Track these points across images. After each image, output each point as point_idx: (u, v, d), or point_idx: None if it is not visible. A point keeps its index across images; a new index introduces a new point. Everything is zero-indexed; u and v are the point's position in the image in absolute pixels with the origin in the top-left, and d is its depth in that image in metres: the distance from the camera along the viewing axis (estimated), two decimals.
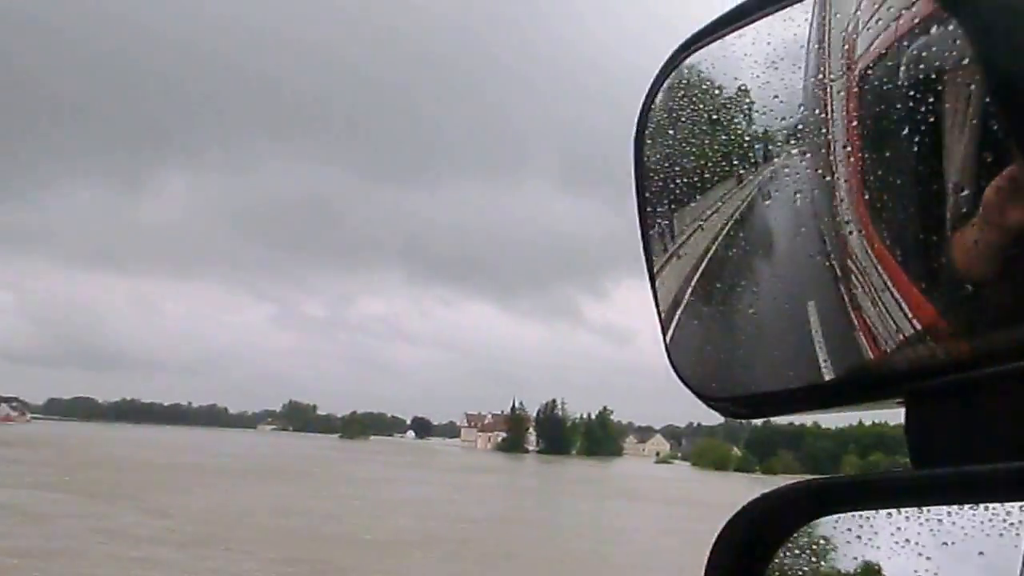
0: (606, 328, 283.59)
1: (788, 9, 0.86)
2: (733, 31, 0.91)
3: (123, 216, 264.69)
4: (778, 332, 0.89)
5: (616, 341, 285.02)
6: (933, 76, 0.69)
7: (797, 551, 0.91)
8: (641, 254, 1.02)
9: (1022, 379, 0.69)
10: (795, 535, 0.90)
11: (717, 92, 0.94)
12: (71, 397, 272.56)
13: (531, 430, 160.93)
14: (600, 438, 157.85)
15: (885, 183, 0.76)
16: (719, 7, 0.90)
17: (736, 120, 0.92)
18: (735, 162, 0.92)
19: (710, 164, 0.94)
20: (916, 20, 0.71)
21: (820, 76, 0.83)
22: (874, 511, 0.84)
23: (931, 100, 0.70)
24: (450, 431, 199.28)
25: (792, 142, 0.86)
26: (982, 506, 0.76)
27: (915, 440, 0.83)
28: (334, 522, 40.63)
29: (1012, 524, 0.75)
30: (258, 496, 51.04)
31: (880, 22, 0.76)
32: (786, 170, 0.86)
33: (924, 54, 0.70)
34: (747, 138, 0.91)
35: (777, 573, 0.91)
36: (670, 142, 0.98)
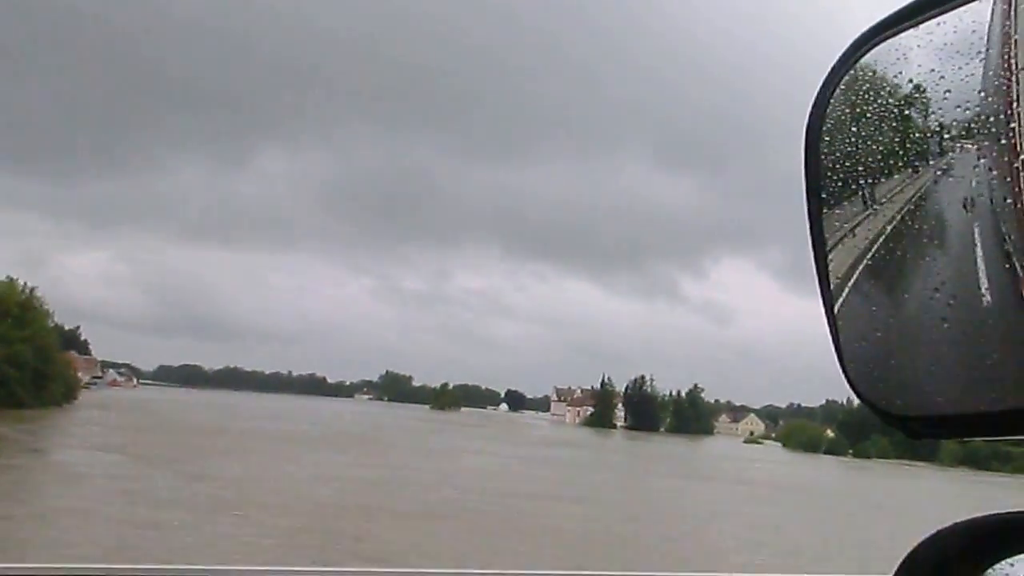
0: (705, 306, 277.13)
1: (965, 7, 0.84)
2: (910, 27, 0.90)
3: (227, 192, 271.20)
4: (972, 346, 0.82)
5: (716, 320, 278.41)
6: None
7: None
8: (811, 255, 0.97)
9: None
10: (989, 572, 0.85)
11: (892, 88, 0.92)
12: (179, 364, 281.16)
13: (619, 406, 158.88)
14: (689, 416, 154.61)
15: None
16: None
17: (915, 115, 0.90)
18: (917, 159, 0.89)
19: (889, 162, 0.91)
20: None
21: (1004, 69, 0.79)
22: None
23: None
24: (543, 405, 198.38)
25: (974, 136, 0.83)
26: None
27: None
28: (375, 491, 39.65)
29: None
30: (312, 464, 50.50)
31: None
32: (965, 167, 0.83)
33: None
34: (929, 133, 0.88)
35: None
36: (848, 138, 0.95)
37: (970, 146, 0.83)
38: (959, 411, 0.83)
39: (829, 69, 0.96)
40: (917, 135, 0.89)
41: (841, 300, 0.94)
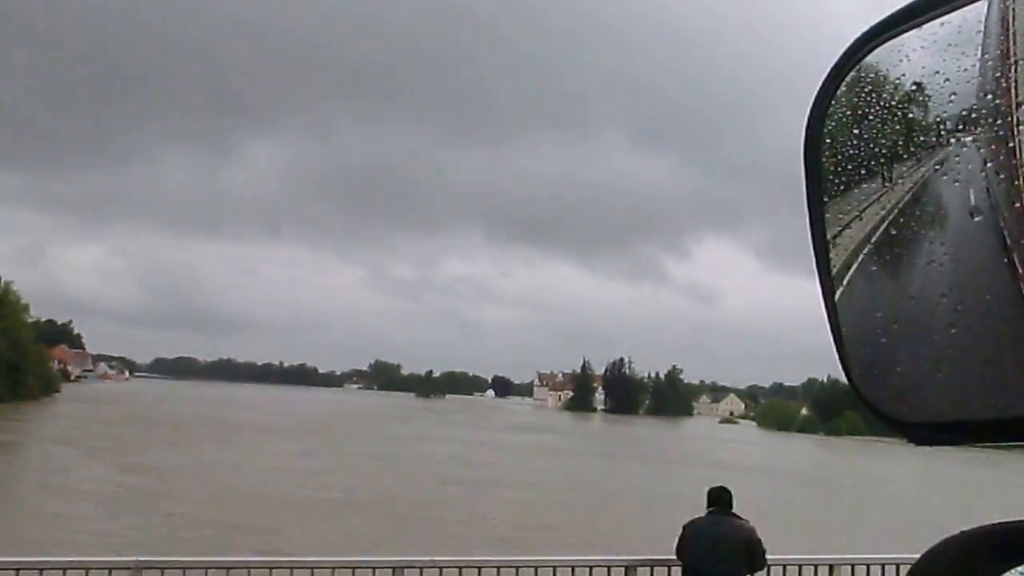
0: (690, 287, 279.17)
1: (968, 6, 0.85)
2: (912, 27, 0.90)
3: (215, 184, 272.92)
4: (979, 352, 0.82)
5: (700, 300, 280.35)
6: None
7: None
8: (812, 253, 0.96)
9: None
10: None
11: (894, 87, 0.93)
12: (174, 357, 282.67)
13: (600, 389, 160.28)
14: (668, 398, 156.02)
15: None
16: None
17: (917, 115, 0.90)
18: (920, 159, 0.89)
19: (892, 162, 0.92)
20: None
21: (1007, 68, 0.80)
22: None
23: None
24: (529, 390, 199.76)
25: (978, 135, 0.83)
26: None
27: None
28: (306, 481, 40.28)
29: None
30: (262, 453, 51.29)
31: None
32: (968, 167, 0.84)
33: None
34: (932, 133, 0.88)
35: None
36: (850, 138, 0.95)
37: (973, 145, 0.83)
38: (966, 417, 0.83)
39: (830, 68, 0.97)
40: (920, 135, 0.89)
41: (843, 302, 0.93)
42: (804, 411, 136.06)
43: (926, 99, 0.88)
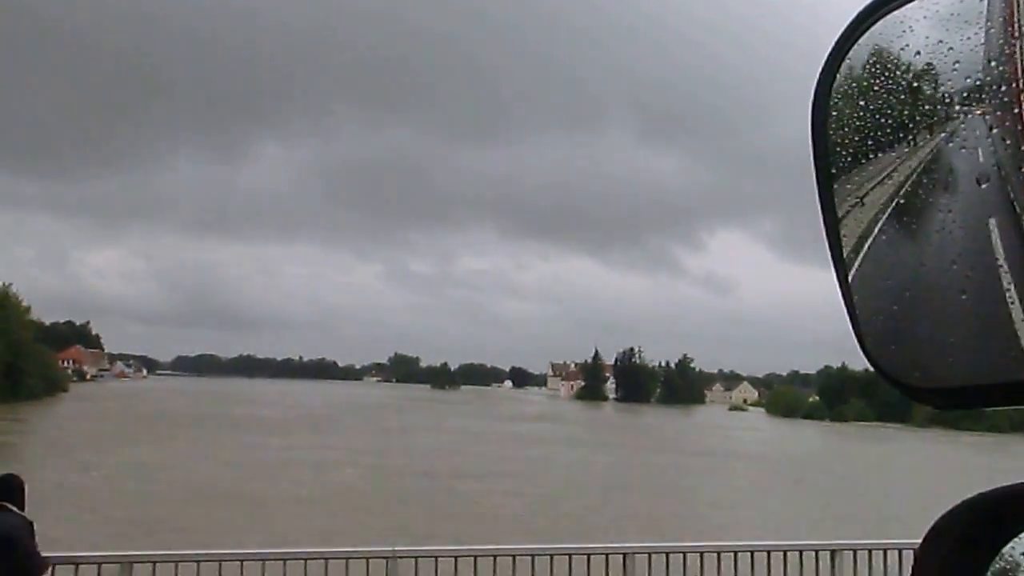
0: (706, 278, 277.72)
1: None
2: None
3: (230, 186, 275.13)
4: (990, 317, 0.83)
5: (717, 290, 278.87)
6: None
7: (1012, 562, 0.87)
8: (822, 229, 0.97)
9: None
10: (1015, 542, 0.87)
11: (899, 60, 0.93)
12: (196, 354, 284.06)
13: (611, 378, 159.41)
14: (679, 386, 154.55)
15: None
16: None
17: (923, 86, 0.91)
18: (927, 130, 0.90)
19: (899, 133, 0.93)
20: None
21: (1012, 36, 0.81)
22: None
23: None
24: (546, 381, 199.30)
25: (984, 104, 0.84)
26: None
27: None
28: (279, 474, 39.34)
29: None
30: (247, 448, 50.34)
31: None
32: (975, 136, 0.85)
33: None
34: (938, 104, 0.89)
35: None
36: (856, 111, 0.96)
37: (979, 113, 0.83)
38: (980, 382, 0.83)
39: (833, 43, 0.96)
40: (926, 105, 0.89)
41: (854, 272, 0.93)
42: (813, 398, 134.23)
43: (931, 69, 0.88)
